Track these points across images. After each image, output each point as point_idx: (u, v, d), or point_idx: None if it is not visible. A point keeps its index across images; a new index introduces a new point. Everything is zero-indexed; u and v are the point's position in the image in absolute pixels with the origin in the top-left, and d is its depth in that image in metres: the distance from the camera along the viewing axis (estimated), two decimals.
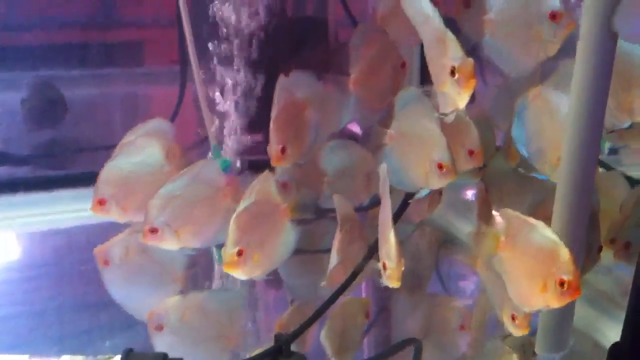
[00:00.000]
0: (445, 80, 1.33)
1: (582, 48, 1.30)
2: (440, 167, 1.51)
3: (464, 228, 2.05)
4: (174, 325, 1.62)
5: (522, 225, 1.36)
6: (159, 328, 1.61)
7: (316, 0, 2.50)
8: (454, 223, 2.09)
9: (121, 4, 2.43)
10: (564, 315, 1.46)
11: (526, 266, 1.34)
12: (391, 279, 1.39)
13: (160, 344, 1.58)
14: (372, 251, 1.59)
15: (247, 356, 1.41)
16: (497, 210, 1.43)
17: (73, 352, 1.38)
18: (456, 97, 1.32)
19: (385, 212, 1.43)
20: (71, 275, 1.98)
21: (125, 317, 1.66)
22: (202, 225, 1.71)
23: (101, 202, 1.75)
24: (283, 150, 1.66)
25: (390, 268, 1.38)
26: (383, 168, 1.46)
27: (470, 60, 1.31)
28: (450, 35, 1.33)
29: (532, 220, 1.35)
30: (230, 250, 1.51)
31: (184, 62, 2.29)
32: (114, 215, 1.77)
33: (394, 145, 1.63)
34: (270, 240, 1.60)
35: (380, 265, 1.42)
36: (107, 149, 1.83)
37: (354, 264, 1.60)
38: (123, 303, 1.67)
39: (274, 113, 1.68)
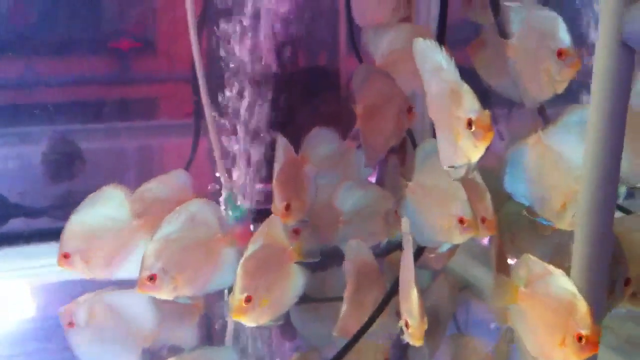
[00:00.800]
0: (460, 133, 1.30)
1: (597, 91, 1.27)
2: (461, 221, 1.55)
3: (482, 276, 2.03)
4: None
5: (542, 273, 1.35)
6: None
7: (329, 51, 2.53)
8: (471, 271, 2.07)
9: (135, 62, 2.47)
10: None
11: (545, 318, 1.32)
12: (413, 338, 1.38)
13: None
14: (389, 299, 1.58)
15: None
16: (517, 257, 1.42)
17: None
18: (471, 150, 1.30)
19: (408, 269, 1.42)
20: None
21: None
22: (198, 270, 1.69)
23: (65, 256, 1.76)
24: (287, 207, 1.69)
25: (412, 327, 1.38)
26: (406, 222, 1.46)
27: (488, 112, 1.29)
28: (466, 87, 1.31)
29: (551, 268, 1.33)
30: (238, 297, 1.51)
31: (197, 114, 2.31)
32: (78, 269, 1.76)
33: (414, 198, 1.66)
34: (278, 284, 1.61)
35: (402, 322, 1.41)
36: None
37: (369, 311, 1.60)
38: None
39: (275, 172, 1.73)
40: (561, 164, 1.46)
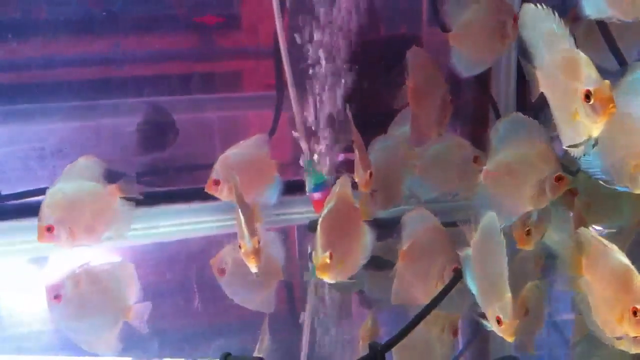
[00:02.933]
0: (578, 107, 1.21)
1: None
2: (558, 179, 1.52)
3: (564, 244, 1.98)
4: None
5: (598, 248, 1.33)
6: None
7: (410, 19, 2.52)
8: (553, 238, 2.03)
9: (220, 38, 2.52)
10: None
11: (605, 292, 1.31)
12: (506, 334, 1.36)
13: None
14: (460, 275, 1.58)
15: None
16: (595, 223, 1.39)
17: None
18: (591, 125, 1.21)
19: (500, 266, 1.38)
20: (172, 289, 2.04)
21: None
22: (93, 221, 1.78)
23: (49, 229, 1.76)
24: (370, 175, 1.78)
25: (505, 323, 1.35)
26: (491, 217, 1.44)
27: (608, 83, 1.19)
28: (583, 56, 1.22)
29: (607, 243, 1.31)
30: (321, 255, 1.53)
31: (280, 86, 2.34)
32: (62, 241, 1.77)
33: (492, 180, 1.63)
34: (352, 242, 1.64)
35: (491, 317, 1.38)
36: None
37: (431, 280, 1.64)
38: (74, 336, 1.66)
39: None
40: (629, 125, 1.34)
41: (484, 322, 1.41)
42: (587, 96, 1.18)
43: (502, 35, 1.80)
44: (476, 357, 1.74)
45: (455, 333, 1.67)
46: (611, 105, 1.17)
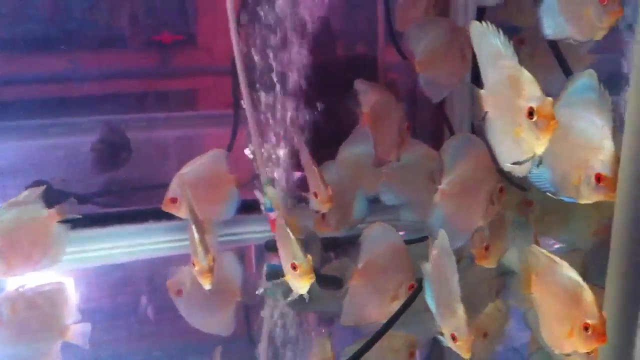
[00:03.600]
0: (521, 124, 1.22)
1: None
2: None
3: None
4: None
5: (548, 264, 1.34)
6: None
7: (367, 40, 2.54)
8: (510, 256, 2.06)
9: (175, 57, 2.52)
10: (623, 351, 1.39)
11: (554, 308, 1.32)
12: (462, 351, 1.36)
13: None
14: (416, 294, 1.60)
15: None
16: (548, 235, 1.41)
17: None
18: (534, 142, 1.21)
19: (452, 284, 1.39)
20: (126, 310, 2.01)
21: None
22: (31, 249, 1.73)
23: None
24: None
25: (461, 341, 1.36)
26: (443, 235, 1.44)
27: (550, 100, 1.20)
28: (526, 74, 1.22)
29: (557, 259, 1.33)
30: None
31: (237, 104, 2.34)
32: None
33: (447, 200, 1.64)
34: None
35: (447, 334, 1.39)
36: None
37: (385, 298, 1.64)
38: None
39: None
40: (571, 137, 1.34)
41: (441, 338, 1.42)
42: (531, 113, 1.20)
43: (463, 58, 1.83)
44: None
45: (412, 354, 1.68)
46: (553, 122, 1.19)
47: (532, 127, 1.20)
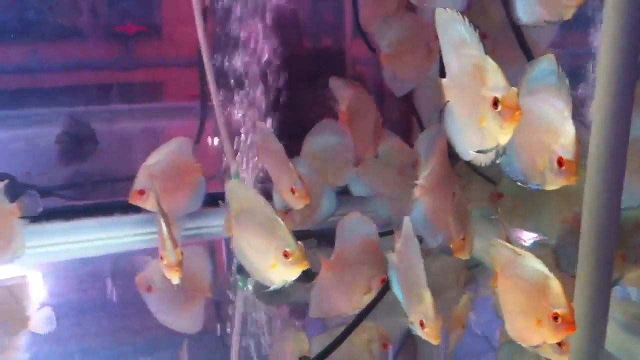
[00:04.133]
0: (485, 114, 1.21)
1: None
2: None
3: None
4: None
5: (511, 257, 1.34)
6: None
7: (334, 33, 2.54)
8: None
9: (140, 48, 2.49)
10: (594, 344, 1.42)
11: (519, 301, 1.32)
12: (431, 337, 1.37)
13: None
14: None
15: None
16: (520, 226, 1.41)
17: None
18: (498, 131, 1.21)
19: (417, 270, 1.39)
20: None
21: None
22: None
23: None
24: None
25: (429, 327, 1.36)
26: (407, 224, 1.44)
27: (515, 90, 1.18)
28: (491, 62, 1.21)
29: (520, 251, 1.33)
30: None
31: (204, 96, 2.32)
32: None
33: (425, 196, 1.65)
34: None
35: (415, 321, 1.40)
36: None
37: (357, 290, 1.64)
38: None
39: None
40: (534, 123, 1.33)
41: (412, 327, 1.42)
42: (495, 103, 1.19)
43: (428, 51, 1.84)
44: None
45: (385, 345, 1.67)
46: (517, 112, 1.18)
47: (496, 117, 1.19)
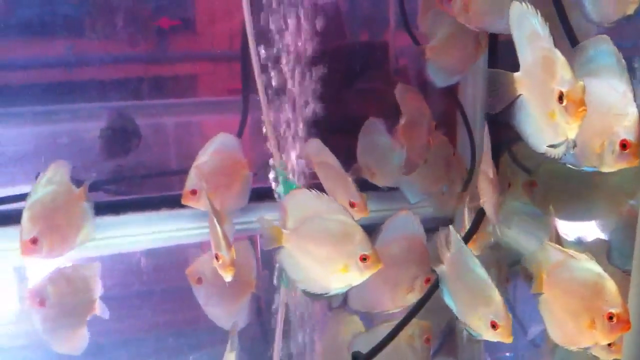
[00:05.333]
0: (554, 108, 1.21)
1: None
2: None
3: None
4: None
5: (563, 259, 1.33)
6: None
7: (377, 25, 2.52)
8: (525, 244, 2.05)
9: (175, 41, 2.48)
10: None
11: (570, 304, 1.30)
12: (504, 336, 1.36)
13: None
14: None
15: None
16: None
17: None
18: (566, 126, 1.20)
19: (477, 273, 1.39)
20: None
21: None
22: (67, 230, 1.80)
23: (34, 242, 1.75)
24: None
25: (502, 326, 1.35)
26: (453, 232, 1.46)
27: (581, 84, 1.17)
28: (559, 56, 1.20)
29: (573, 252, 1.31)
30: None
31: (246, 90, 2.31)
32: (43, 253, 1.76)
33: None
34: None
35: (481, 325, 1.39)
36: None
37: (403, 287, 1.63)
38: (49, 338, 1.71)
39: None
40: (591, 104, 1.27)
41: (470, 330, 1.42)
42: (560, 97, 1.18)
43: (476, 45, 1.82)
44: None
45: (427, 341, 1.65)
46: (582, 108, 1.17)
47: (563, 112, 1.19)
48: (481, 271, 1.39)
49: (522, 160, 2.04)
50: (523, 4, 1.25)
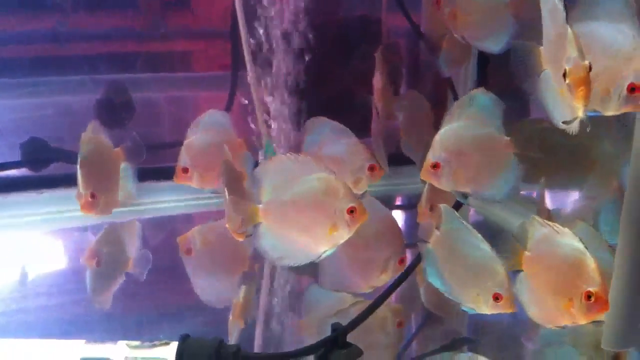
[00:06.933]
0: (563, 84, 1.18)
1: None
2: None
3: None
4: None
5: (547, 234, 1.30)
6: None
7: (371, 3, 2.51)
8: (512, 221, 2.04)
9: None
10: (633, 310, 1.39)
11: (550, 282, 1.28)
12: (508, 307, 1.36)
13: None
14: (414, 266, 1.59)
15: None
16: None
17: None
18: (572, 104, 1.17)
19: (480, 248, 1.39)
20: None
21: None
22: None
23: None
24: None
25: (505, 297, 1.36)
26: (446, 209, 1.46)
27: (584, 65, 1.14)
28: (569, 32, 1.17)
29: (558, 227, 1.29)
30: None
31: (236, 66, 2.29)
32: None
33: None
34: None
35: (481, 300, 1.39)
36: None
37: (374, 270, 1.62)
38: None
39: None
40: (594, 46, 1.25)
41: (466, 307, 1.42)
42: (564, 75, 1.16)
43: None
44: (429, 343, 1.73)
45: (400, 324, 1.66)
46: (582, 87, 1.14)
47: (567, 90, 1.16)
48: (485, 245, 1.38)
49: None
50: None
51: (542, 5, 1.25)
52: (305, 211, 1.40)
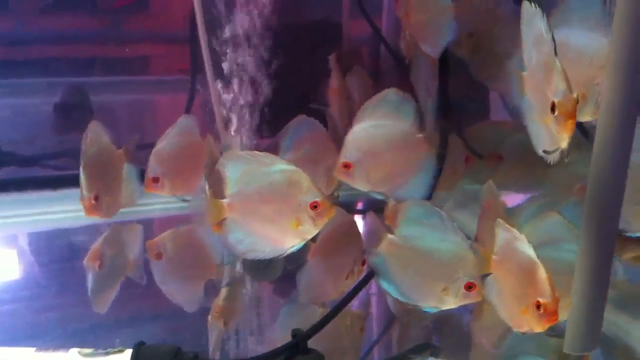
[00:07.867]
0: (547, 115, 1.19)
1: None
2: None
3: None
4: None
5: (509, 239, 1.31)
6: None
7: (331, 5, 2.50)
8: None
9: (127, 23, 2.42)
10: (594, 314, 1.39)
11: (511, 286, 1.29)
12: (477, 296, 1.36)
13: None
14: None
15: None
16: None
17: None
18: (557, 135, 1.19)
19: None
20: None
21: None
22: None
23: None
24: None
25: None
26: (411, 204, 1.42)
27: (573, 98, 1.15)
28: (558, 64, 1.18)
29: (517, 234, 1.29)
30: None
31: (195, 69, 2.27)
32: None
33: None
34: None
35: (453, 291, 1.37)
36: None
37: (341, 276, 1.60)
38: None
39: None
40: (569, 53, 1.29)
41: (427, 307, 1.41)
42: (553, 108, 1.17)
43: None
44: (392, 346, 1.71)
45: (362, 329, 1.64)
46: (570, 121, 1.16)
47: (554, 122, 1.17)
48: (454, 235, 1.36)
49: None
50: (533, 5, 1.23)
51: (524, 30, 1.26)
52: (269, 203, 1.40)
